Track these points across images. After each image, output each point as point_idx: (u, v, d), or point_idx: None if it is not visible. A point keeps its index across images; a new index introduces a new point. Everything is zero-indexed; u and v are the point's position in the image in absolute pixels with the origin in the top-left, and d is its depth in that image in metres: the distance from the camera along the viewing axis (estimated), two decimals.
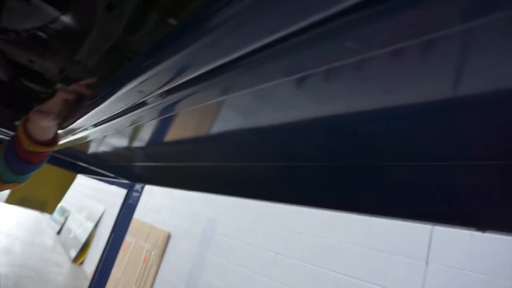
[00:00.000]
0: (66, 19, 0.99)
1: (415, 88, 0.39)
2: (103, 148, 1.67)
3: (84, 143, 1.20)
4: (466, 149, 0.52)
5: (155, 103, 0.37)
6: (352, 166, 0.71)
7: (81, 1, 0.89)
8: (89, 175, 2.89)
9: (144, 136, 1.11)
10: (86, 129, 0.70)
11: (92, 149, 1.80)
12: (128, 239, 4.85)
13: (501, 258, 1.43)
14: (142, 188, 3.43)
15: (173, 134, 0.98)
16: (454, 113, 0.42)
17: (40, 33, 1.13)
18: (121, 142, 1.28)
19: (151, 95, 0.35)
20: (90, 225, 6.81)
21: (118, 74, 0.45)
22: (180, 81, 0.28)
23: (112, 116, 0.51)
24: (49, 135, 0.80)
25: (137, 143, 1.26)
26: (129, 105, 0.41)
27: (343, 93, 0.45)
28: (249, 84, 0.26)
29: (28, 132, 0.78)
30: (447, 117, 0.44)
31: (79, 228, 7.25)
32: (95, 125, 0.64)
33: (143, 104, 0.39)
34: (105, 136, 1.12)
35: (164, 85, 0.31)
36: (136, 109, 0.43)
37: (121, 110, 0.45)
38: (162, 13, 0.78)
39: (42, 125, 0.76)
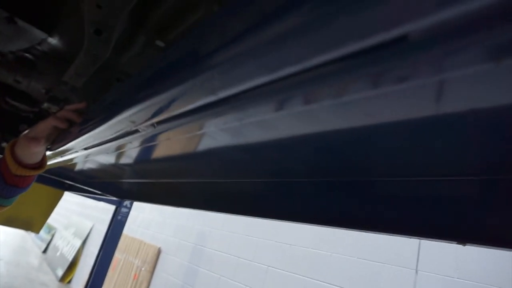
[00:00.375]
0: (53, 41, 1.00)
1: (399, 111, 0.41)
2: (90, 166, 1.66)
3: (72, 162, 1.20)
4: (448, 165, 0.54)
5: (146, 131, 0.38)
6: (340, 182, 0.72)
7: (68, 25, 0.90)
8: (76, 192, 2.85)
9: (133, 154, 1.11)
10: (76, 151, 0.71)
11: (79, 166, 1.78)
12: (117, 255, 4.76)
13: (488, 265, 1.46)
14: (131, 203, 3.39)
15: (162, 151, 0.99)
16: (437, 131, 0.44)
17: (27, 55, 1.13)
18: (109, 159, 1.27)
19: (143, 124, 0.36)
20: (78, 242, 6.66)
21: (111, 102, 0.46)
22: (171, 114, 0.30)
23: (103, 141, 0.52)
24: (37, 159, 0.79)
25: (125, 161, 1.26)
26: (120, 132, 0.42)
27: (329, 114, 0.47)
28: (239, 119, 0.27)
29: (15, 156, 0.77)
30: (431, 135, 0.46)
31: (66, 246, 7.08)
32: (86, 149, 0.65)
33: (134, 132, 0.40)
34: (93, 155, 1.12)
35: (155, 116, 0.32)
36: (127, 135, 0.44)
37: (112, 136, 0.46)
38: (150, 36, 0.80)
39: (31, 150, 0.75)
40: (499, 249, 0.49)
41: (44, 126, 0.73)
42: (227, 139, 0.69)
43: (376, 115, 0.43)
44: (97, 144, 0.56)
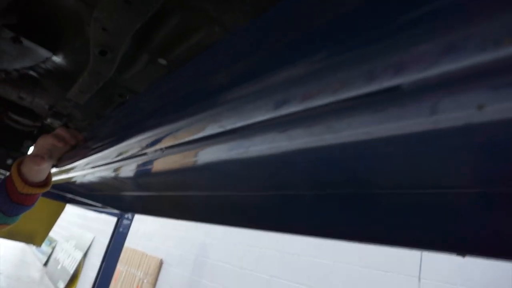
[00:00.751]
0: (57, 59, 1.02)
1: (397, 128, 0.42)
2: (92, 179, 1.67)
3: (76, 178, 1.21)
4: (449, 178, 0.55)
5: (154, 155, 0.40)
6: (340, 194, 0.73)
7: (73, 44, 0.93)
8: (78, 205, 2.85)
9: (136, 169, 1.12)
10: (82, 169, 0.72)
11: (81, 180, 1.79)
12: (119, 267, 4.74)
13: (491, 272, 1.46)
14: (133, 215, 3.39)
15: (165, 165, 0.99)
16: (435, 144, 0.45)
17: (31, 72, 1.15)
18: (112, 174, 1.28)
19: (151, 148, 0.38)
20: (79, 255, 6.63)
21: (122, 125, 0.48)
22: (180, 141, 0.31)
23: (110, 162, 0.53)
24: (42, 177, 0.81)
25: (128, 175, 1.27)
26: (129, 155, 0.44)
27: (329, 132, 0.48)
28: (246, 146, 0.29)
29: (22, 175, 0.79)
30: (429, 148, 0.47)
31: (67, 258, 7.05)
32: (93, 167, 0.66)
33: (142, 154, 0.42)
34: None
35: (164, 143, 0.34)
36: (134, 157, 0.45)
37: (119, 158, 0.48)
38: (152, 54, 0.82)
39: (35, 167, 0.77)
40: (499, 260, 0.50)
41: (44, 142, 0.75)
42: (229, 152, 0.70)
43: (374, 133, 0.45)
44: (104, 164, 0.58)
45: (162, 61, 0.83)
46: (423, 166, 0.51)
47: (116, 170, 0.64)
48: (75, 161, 0.66)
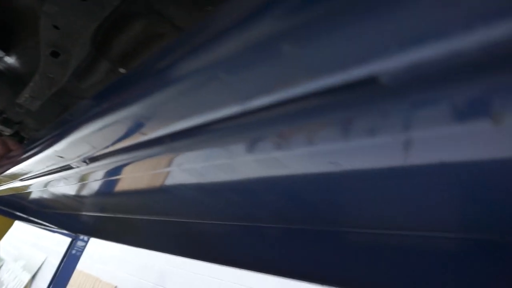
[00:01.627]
0: (10, 60, 0.93)
1: (367, 159, 0.38)
2: (43, 195, 1.53)
3: (21, 189, 1.09)
4: (421, 219, 0.51)
5: (80, 168, 0.33)
6: (306, 230, 0.68)
7: (27, 45, 0.85)
8: (27, 223, 2.63)
9: (88, 185, 1.02)
10: (12, 182, 0.63)
11: (30, 195, 1.65)
12: None
13: None
14: (89, 237, 3.17)
15: (121, 184, 0.91)
16: (410, 183, 0.42)
17: None
18: (60, 190, 1.17)
19: (73, 160, 0.31)
20: (26, 277, 6.10)
21: (39, 135, 0.41)
22: (102, 152, 0.25)
23: (38, 174, 0.45)
24: None
25: (81, 192, 1.16)
26: (52, 167, 0.36)
27: (295, 159, 0.43)
28: (178, 164, 0.23)
29: None
30: (404, 187, 0.43)
31: (12, 280, 6.47)
32: (22, 180, 0.57)
33: (68, 167, 0.35)
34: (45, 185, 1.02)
35: (84, 153, 0.27)
36: (62, 170, 0.38)
37: (46, 170, 0.40)
38: (113, 62, 0.76)
39: None
40: None
41: None
42: (186, 178, 0.64)
43: (342, 164, 0.40)
44: (33, 176, 0.50)
45: (123, 70, 0.77)
46: (396, 203, 0.47)
47: (52, 185, 0.56)
48: (4, 171, 0.57)
